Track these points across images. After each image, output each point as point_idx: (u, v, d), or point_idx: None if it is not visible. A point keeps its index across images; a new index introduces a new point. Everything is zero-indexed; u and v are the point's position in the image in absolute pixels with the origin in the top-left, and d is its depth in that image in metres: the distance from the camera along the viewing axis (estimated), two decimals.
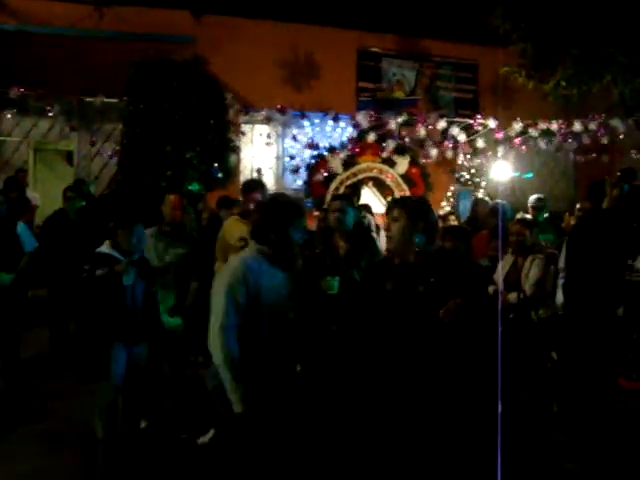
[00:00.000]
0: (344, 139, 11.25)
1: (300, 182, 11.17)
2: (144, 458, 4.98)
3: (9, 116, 11.06)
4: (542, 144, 11.62)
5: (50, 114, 10.69)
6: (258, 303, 3.39)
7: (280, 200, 3.72)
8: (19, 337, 6.91)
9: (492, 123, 11.50)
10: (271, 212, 3.58)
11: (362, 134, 10.88)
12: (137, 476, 4.77)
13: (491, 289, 5.56)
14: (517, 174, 11.39)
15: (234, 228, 5.36)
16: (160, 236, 5.76)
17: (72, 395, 6.04)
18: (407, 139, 11.15)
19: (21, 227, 6.94)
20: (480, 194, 11.59)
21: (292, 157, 11.32)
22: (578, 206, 7.14)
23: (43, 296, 7.42)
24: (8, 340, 6.67)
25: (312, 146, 10.90)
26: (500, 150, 11.40)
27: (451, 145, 11.63)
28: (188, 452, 5.14)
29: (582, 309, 5.09)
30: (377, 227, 7.96)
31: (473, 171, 12.25)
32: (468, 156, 12.08)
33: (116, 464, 4.81)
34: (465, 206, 11.75)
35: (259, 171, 11.19)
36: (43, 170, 11.81)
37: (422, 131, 11.16)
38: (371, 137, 10.87)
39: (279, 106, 10.76)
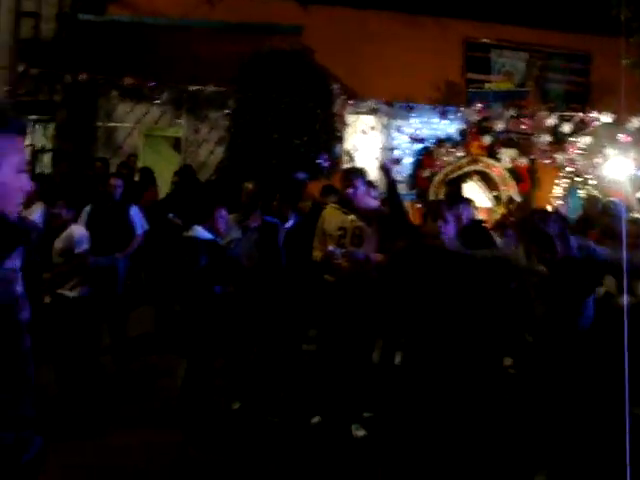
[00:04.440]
0: (450, 131, 11.03)
1: (404, 174, 11.06)
2: (234, 439, 5.08)
3: (122, 103, 11.49)
4: None
5: (160, 102, 11.04)
6: None
7: None
8: (127, 316, 7.19)
9: (605, 118, 10.99)
10: None
11: (469, 127, 10.64)
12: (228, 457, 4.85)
13: (601, 291, 5.32)
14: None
15: (333, 217, 5.33)
16: None
17: (177, 373, 6.22)
18: (515, 132, 10.80)
19: (134, 210, 7.21)
20: (590, 192, 11.13)
21: (396, 149, 11.21)
22: None
23: None
24: (117, 318, 6.96)
25: (417, 139, 10.77)
26: (615, 146, 10.86)
27: (559, 140, 11.20)
28: (276, 435, 5.20)
29: None
30: None
31: (583, 168, 11.76)
32: (578, 152, 11.60)
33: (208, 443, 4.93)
34: (575, 204, 11.32)
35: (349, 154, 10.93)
36: (151, 155, 12.20)
37: (530, 124, 10.79)
38: (478, 130, 10.62)
39: (384, 99, 10.68)
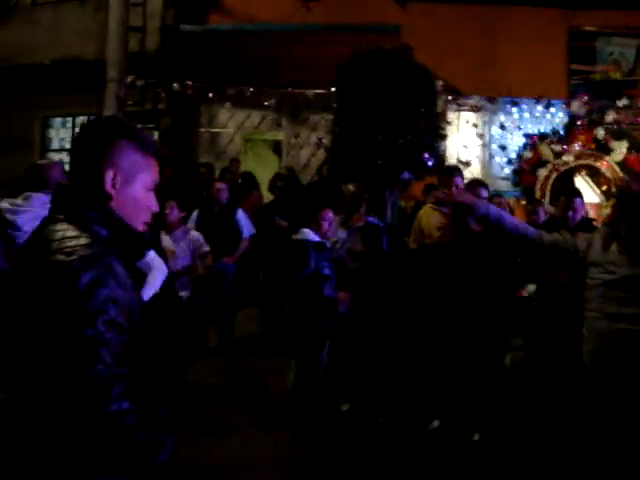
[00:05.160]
0: (555, 125, 10.64)
1: (508, 170, 10.78)
2: (343, 440, 5.08)
3: (224, 109, 11.76)
4: None
5: (260, 106, 11.22)
6: None
7: None
8: (234, 317, 7.34)
9: None
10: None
11: (575, 120, 10.24)
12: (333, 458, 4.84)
13: None
14: None
15: (431, 217, 5.24)
16: None
17: (284, 374, 6.29)
18: (625, 124, 10.30)
19: (240, 214, 7.35)
20: None
21: (502, 147, 10.95)
22: None
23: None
24: (225, 320, 7.11)
25: (523, 135, 10.45)
26: None
27: None
28: (386, 437, 5.15)
29: None
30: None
31: None
32: None
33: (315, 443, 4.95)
34: None
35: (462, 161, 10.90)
36: (252, 159, 12.42)
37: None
38: (585, 122, 10.19)
39: (488, 93, 10.42)
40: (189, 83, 10.50)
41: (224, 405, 5.83)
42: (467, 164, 10.83)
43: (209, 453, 4.82)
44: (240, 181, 9.58)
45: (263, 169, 11.56)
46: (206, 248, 6.29)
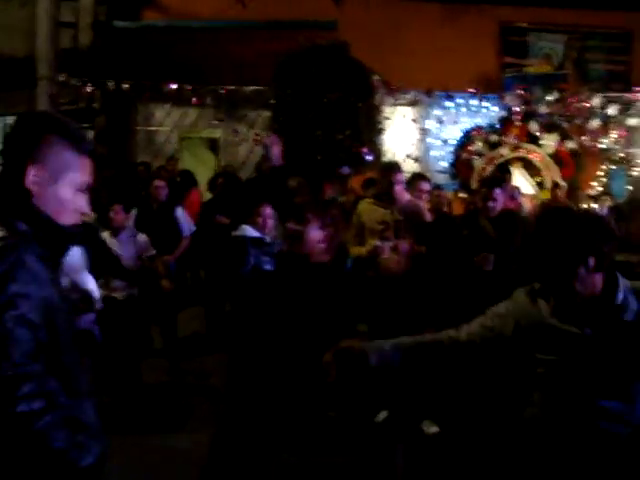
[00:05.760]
0: (490, 118, 10.88)
1: (445, 164, 10.97)
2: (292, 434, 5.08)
3: (160, 107, 11.62)
4: None
5: (197, 104, 11.12)
6: None
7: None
8: (176, 317, 7.26)
9: None
10: None
11: (509, 113, 10.49)
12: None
13: None
14: None
15: (372, 212, 5.30)
16: None
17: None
18: (556, 117, 10.61)
19: (179, 212, 7.27)
20: (636, 175, 10.89)
21: (439, 141, 11.14)
22: None
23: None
24: (167, 320, 7.02)
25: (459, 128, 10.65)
26: None
27: (602, 122, 10.96)
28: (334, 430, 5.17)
29: None
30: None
31: (628, 150, 11.52)
32: (622, 133, 11.36)
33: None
34: (619, 186, 11.09)
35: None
36: (189, 158, 12.30)
37: (572, 107, 10.56)
38: (518, 115, 10.45)
39: (424, 87, 10.59)
40: (124, 80, 10.32)
41: (170, 405, 5.77)
42: (406, 158, 10.98)
43: (156, 453, 4.75)
44: (179, 179, 9.47)
45: (200, 167, 11.46)
46: (152, 251, 6.26)
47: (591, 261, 2.25)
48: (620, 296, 2.29)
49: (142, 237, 6.29)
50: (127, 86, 10.34)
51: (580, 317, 2.32)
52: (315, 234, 3.63)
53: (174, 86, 10.53)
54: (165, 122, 11.96)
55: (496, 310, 2.62)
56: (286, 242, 3.70)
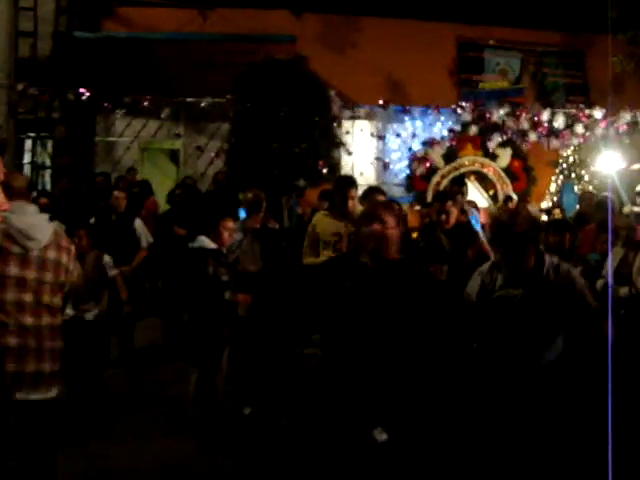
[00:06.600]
0: (445, 133, 11.12)
1: (401, 177, 11.16)
2: (247, 443, 5.15)
3: (120, 118, 11.61)
4: None
5: (158, 115, 11.16)
6: None
7: None
8: (134, 327, 7.28)
9: (598, 114, 11.06)
10: None
11: (464, 127, 10.72)
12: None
13: (600, 284, 5.42)
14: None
15: (326, 223, 5.41)
16: None
17: (186, 381, 6.28)
18: (510, 131, 10.88)
19: (137, 223, 7.31)
20: (584, 187, 11.24)
21: (395, 155, 11.32)
22: None
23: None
24: (124, 331, 7.04)
25: (415, 142, 10.86)
26: (606, 141, 10.94)
27: (555, 136, 11.27)
28: (286, 437, 5.26)
29: None
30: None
31: (576, 163, 11.88)
32: (572, 147, 11.72)
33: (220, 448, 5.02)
34: (569, 199, 11.43)
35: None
36: (150, 169, 12.31)
37: (525, 122, 10.82)
38: (473, 130, 10.69)
39: (381, 102, 10.78)
40: (84, 91, 10.31)
41: (128, 414, 5.78)
42: (363, 171, 11.15)
43: (114, 462, 4.78)
44: (137, 190, 9.49)
45: (161, 178, 11.49)
46: (115, 271, 6.26)
47: (531, 247, 3.59)
48: (545, 269, 3.61)
49: (106, 258, 6.31)
50: (87, 96, 10.28)
51: (521, 283, 3.60)
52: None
53: (134, 97, 10.52)
54: (125, 133, 11.97)
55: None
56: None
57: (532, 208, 9.67)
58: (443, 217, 5.50)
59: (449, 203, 5.57)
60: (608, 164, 10.66)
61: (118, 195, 7.42)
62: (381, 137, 11.45)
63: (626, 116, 10.81)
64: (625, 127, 10.74)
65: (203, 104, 10.52)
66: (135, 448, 5.06)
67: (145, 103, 10.62)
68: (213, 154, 11.01)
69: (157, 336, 7.89)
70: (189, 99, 10.63)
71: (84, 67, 10.74)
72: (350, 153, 10.87)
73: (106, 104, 10.66)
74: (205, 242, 5.23)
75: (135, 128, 11.95)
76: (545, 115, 10.81)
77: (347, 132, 11.07)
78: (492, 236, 4.09)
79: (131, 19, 11.84)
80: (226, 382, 5.46)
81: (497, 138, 10.74)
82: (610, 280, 5.35)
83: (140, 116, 11.55)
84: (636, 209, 6.11)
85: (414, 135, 11.36)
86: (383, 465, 4.67)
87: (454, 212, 5.58)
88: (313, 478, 4.66)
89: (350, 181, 5.49)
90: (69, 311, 5.63)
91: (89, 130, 11.86)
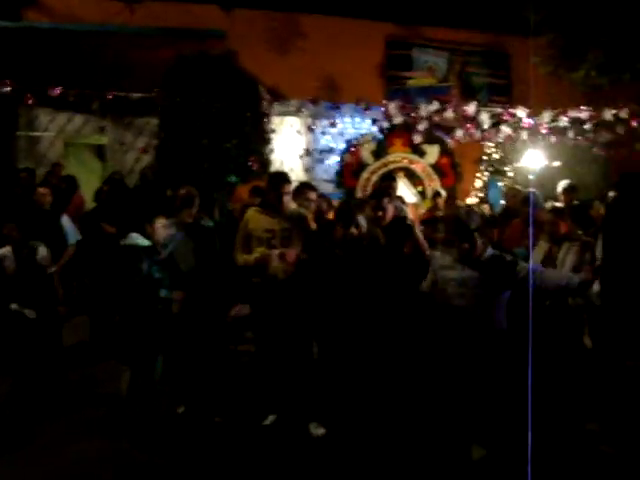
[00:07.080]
0: (374, 129, 11.22)
1: (331, 173, 11.23)
2: (181, 442, 5.14)
3: (44, 112, 11.29)
4: (571, 133, 11.48)
5: (84, 110, 10.88)
6: None
7: None
8: (62, 326, 7.12)
9: (521, 113, 11.39)
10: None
11: (392, 123, 10.84)
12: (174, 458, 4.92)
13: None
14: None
15: (258, 220, 5.43)
16: None
17: (117, 380, 6.17)
18: (437, 127, 11.07)
19: (64, 220, 7.14)
20: (508, 183, 11.59)
21: (324, 151, 11.39)
22: (611, 194, 7.17)
23: None
24: (52, 329, 6.87)
25: (344, 139, 10.94)
26: (529, 139, 11.30)
27: (480, 133, 11.54)
28: (221, 436, 5.28)
29: (620, 298, 5.20)
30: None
31: (501, 160, 12.25)
32: (496, 145, 12.07)
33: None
34: (494, 195, 11.77)
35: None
36: (75, 165, 12.01)
37: (451, 116, 10.99)
38: (401, 127, 10.82)
39: (311, 98, 10.81)
40: (4, 83, 9.95)
41: (58, 415, 5.68)
42: (293, 167, 11.17)
43: (46, 465, 4.71)
44: (63, 186, 9.26)
45: (86, 174, 11.23)
46: (53, 268, 6.33)
47: (477, 237, 4.64)
48: (485, 255, 4.70)
49: (43, 251, 6.21)
50: (8, 89, 9.92)
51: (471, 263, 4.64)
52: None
53: (59, 90, 10.21)
54: (49, 127, 11.64)
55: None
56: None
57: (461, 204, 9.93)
58: (380, 213, 5.63)
59: (385, 200, 5.70)
60: (531, 161, 11.05)
61: (43, 191, 7.24)
62: (311, 132, 11.50)
63: (547, 115, 11.16)
64: (546, 126, 11.08)
65: (131, 99, 10.31)
66: (66, 449, 4.98)
67: (69, 97, 10.32)
68: (140, 150, 10.84)
69: (85, 334, 7.75)
70: (116, 93, 10.41)
71: (5, 58, 10.36)
72: (280, 149, 10.87)
73: (29, 97, 10.31)
74: (137, 239, 5.17)
75: (59, 123, 11.64)
76: (471, 111, 11.01)
77: (276, 128, 11.07)
78: (448, 229, 4.89)
79: (54, 9, 11.52)
80: (159, 381, 5.43)
81: (424, 135, 10.89)
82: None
83: (65, 110, 11.25)
84: (557, 204, 6.36)
85: (343, 132, 11.45)
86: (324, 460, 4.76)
87: (390, 208, 5.72)
88: (248, 475, 4.69)
89: (284, 177, 5.51)
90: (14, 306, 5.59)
91: (11, 124, 11.46)
